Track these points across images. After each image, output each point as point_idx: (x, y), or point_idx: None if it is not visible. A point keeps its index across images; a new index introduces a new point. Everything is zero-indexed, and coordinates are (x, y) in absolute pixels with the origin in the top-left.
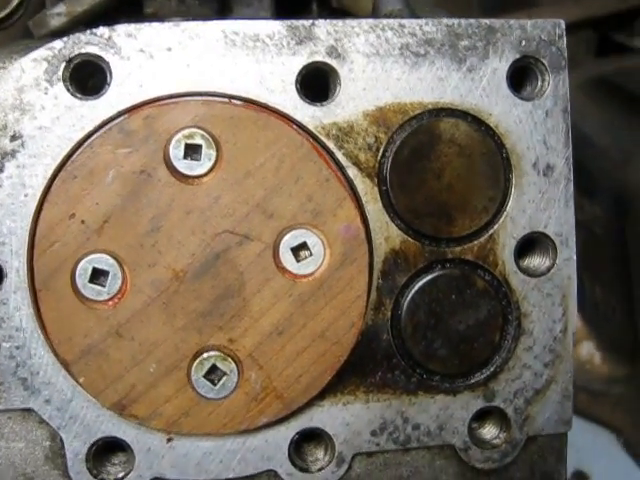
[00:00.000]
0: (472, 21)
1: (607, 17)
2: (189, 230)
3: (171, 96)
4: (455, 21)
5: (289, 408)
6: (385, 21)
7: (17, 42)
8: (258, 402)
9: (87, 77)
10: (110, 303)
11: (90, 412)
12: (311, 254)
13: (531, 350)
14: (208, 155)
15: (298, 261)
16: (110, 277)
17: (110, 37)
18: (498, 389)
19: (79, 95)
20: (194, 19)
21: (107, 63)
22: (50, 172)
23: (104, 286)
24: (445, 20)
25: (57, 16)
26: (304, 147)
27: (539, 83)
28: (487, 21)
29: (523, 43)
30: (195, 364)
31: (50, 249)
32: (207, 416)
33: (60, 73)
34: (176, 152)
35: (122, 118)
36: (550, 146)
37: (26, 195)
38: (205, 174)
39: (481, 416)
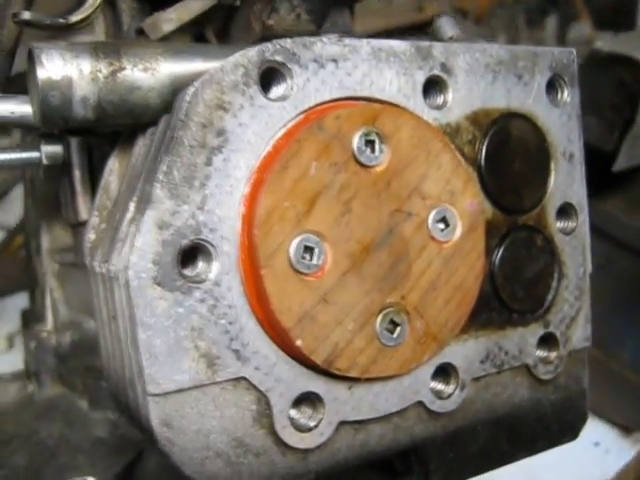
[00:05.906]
0: (524, 47)
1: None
2: (371, 210)
3: (337, 99)
4: (516, 47)
5: (441, 347)
6: (475, 45)
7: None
8: (421, 345)
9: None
10: (317, 275)
11: (289, 373)
12: (449, 225)
13: (568, 288)
14: (380, 149)
15: (442, 231)
16: (316, 252)
17: (292, 48)
18: (551, 319)
19: (270, 97)
20: (304, 34)
21: (289, 70)
22: (252, 164)
23: (312, 260)
24: (509, 46)
25: (169, 21)
26: (442, 141)
27: (563, 95)
28: (533, 48)
29: (553, 65)
30: (379, 319)
31: (270, 231)
32: (388, 361)
33: (254, 77)
34: (359, 146)
35: (317, 118)
36: (571, 140)
37: (231, 186)
38: (379, 164)
39: (541, 340)
